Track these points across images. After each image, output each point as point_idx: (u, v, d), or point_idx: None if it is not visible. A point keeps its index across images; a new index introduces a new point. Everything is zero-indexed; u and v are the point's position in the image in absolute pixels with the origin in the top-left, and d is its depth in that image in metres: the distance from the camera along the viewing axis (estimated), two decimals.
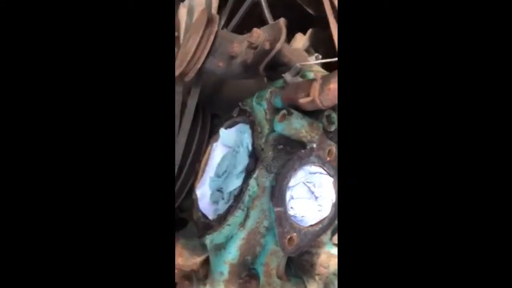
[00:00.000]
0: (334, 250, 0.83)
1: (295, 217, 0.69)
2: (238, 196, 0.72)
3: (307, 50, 1.40)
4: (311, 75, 0.79)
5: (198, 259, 0.91)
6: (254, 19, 1.36)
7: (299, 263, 0.82)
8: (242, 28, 1.28)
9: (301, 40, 1.57)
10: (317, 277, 0.82)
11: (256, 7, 1.32)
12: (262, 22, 1.09)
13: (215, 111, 1.15)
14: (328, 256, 0.86)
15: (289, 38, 1.54)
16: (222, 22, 1.32)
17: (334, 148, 0.72)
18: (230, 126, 0.90)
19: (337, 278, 0.85)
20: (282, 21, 0.74)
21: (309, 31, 1.58)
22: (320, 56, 1.29)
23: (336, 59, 0.75)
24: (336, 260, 0.87)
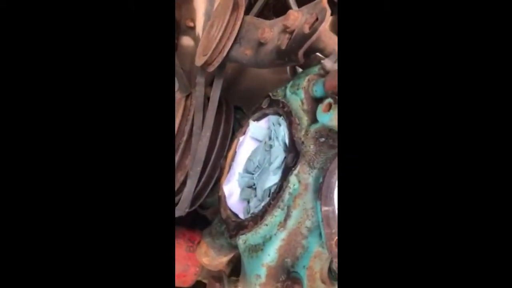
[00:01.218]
0: None
1: None
2: (277, 194, 0.66)
3: None
4: None
5: (225, 259, 0.87)
6: (277, 7, 1.30)
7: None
8: (263, 16, 1.22)
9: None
10: None
11: None
12: (285, 10, 1.03)
13: (235, 103, 1.10)
14: None
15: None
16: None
17: None
18: (259, 119, 0.84)
19: None
20: (325, 0, 0.68)
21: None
22: None
23: None
24: None
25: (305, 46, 0.67)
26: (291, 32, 0.72)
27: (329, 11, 0.66)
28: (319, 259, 0.64)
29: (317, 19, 0.67)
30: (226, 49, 0.84)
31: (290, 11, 0.72)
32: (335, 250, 0.61)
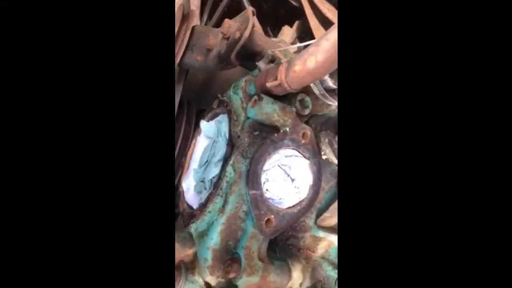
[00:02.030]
0: (320, 233, 0.84)
1: (272, 199, 0.70)
2: (217, 183, 0.73)
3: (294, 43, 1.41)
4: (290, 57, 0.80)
5: (190, 251, 0.93)
6: (235, 14, 1.38)
7: (284, 248, 0.83)
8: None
9: (288, 33, 1.59)
10: (304, 261, 0.84)
11: (237, 2, 1.35)
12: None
13: (203, 107, 1.17)
14: (315, 240, 0.87)
15: (276, 31, 1.56)
16: (205, 18, 1.35)
17: (308, 131, 0.73)
18: (211, 118, 0.91)
19: (325, 261, 0.86)
20: (250, 10, 0.76)
21: (296, 23, 1.59)
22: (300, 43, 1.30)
23: (311, 41, 0.76)
24: (323, 243, 0.88)
25: (236, 49, 0.75)
26: (227, 38, 0.80)
27: (251, 19, 0.73)
28: (256, 239, 0.72)
29: (244, 26, 0.75)
30: (179, 57, 0.92)
31: (225, 20, 0.80)
32: (266, 229, 0.68)
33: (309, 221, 0.83)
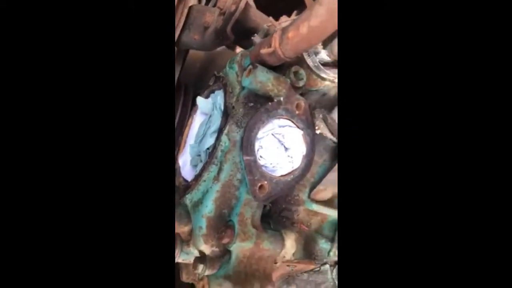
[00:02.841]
0: (314, 207, 0.86)
1: (265, 166, 0.72)
2: (212, 152, 0.75)
3: None
4: None
5: (186, 228, 0.94)
6: None
7: (278, 220, 0.84)
8: None
9: (286, 23, 1.60)
10: (297, 234, 0.85)
11: None
12: None
13: (201, 91, 1.19)
14: (308, 214, 0.88)
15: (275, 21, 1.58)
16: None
17: (302, 102, 0.75)
18: (207, 95, 0.93)
19: (319, 235, 0.88)
20: None
21: (294, 13, 1.61)
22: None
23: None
24: (317, 217, 0.89)
25: (231, 22, 0.76)
26: (224, 13, 0.81)
27: None
28: (249, 206, 0.73)
29: None
30: (176, 35, 0.94)
31: None
32: (259, 195, 0.70)
33: (303, 194, 0.85)
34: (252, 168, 0.68)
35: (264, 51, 0.67)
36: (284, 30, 0.64)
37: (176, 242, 0.88)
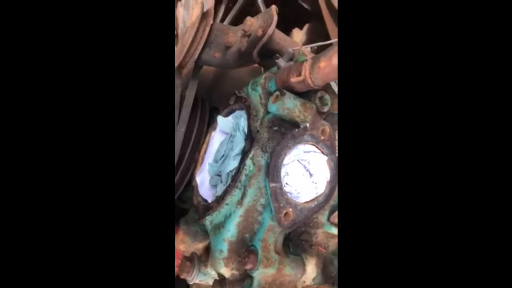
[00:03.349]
0: (333, 230, 0.86)
1: (291, 193, 0.71)
2: (235, 176, 0.74)
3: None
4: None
5: (201, 245, 0.94)
6: (249, 15, 1.41)
7: (297, 243, 0.84)
8: (238, 23, 1.32)
9: (298, 35, 1.61)
10: (316, 257, 0.85)
11: (252, 3, 1.37)
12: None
13: (215, 104, 1.19)
14: (327, 237, 0.88)
15: (287, 34, 1.58)
16: (218, 19, 1.37)
17: (327, 128, 0.75)
18: (228, 114, 0.93)
19: (336, 258, 0.88)
20: (273, 7, 0.77)
21: (306, 26, 1.61)
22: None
23: (331, 41, 0.78)
24: (335, 240, 0.89)
25: (258, 46, 0.77)
26: (249, 36, 0.81)
27: (275, 17, 0.75)
28: (273, 232, 0.73)
29: (268, 24, 0.77)
30: (197, 53, 0.94)
31: (247, 18, 0.82)
32: (284, 222, 0.70)
33: (322, 217, 0.84)
34: (277, 195, 0.68)
35: (294, 79, 0.67)
36: (315, 59, 0.64)
37: (194, 261, 0.88)
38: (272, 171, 0.68)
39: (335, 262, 0.86)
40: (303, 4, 1.50)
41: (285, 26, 1.62)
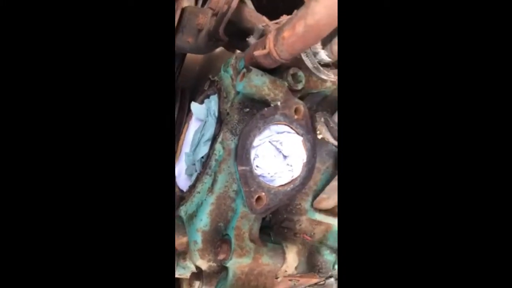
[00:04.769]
0: (317, 216, 0.81)
1: (263, 176, 0.67)
2: (206, 162, 0.70)
3: None
4: None
5: (184, 239, 0.90)
6: None
7: (279, 231, 0.80)
8: None
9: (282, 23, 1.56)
10: (300, 245, 0.80)
11: None
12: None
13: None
14: (311, 223, 0.83)
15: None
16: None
17: (301, 106, 0.70)
18: (203, 100, 0.88)
19: (323, 246, 0.83)
20: None
21: (294, 12, 1.56)
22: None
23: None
24: (321, 227, 0.84)
25: (224, 22, 0.72)
26: (216, 14, 0.77)
27: None
28: (247, 219, 0.68)
29: None
30: None
31: None
32: (256, 207, 0.65)
33: (305, 203, 0.80)
34: (247, 179, 0.64)
35: (257, 53, 0.62)
36: (279, 30, 0.60)
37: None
38: (240, 153, 0.64)
39: (322, 250, 0.81)
40: None
41: (275, 15, 1.59)
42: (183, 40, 0.91)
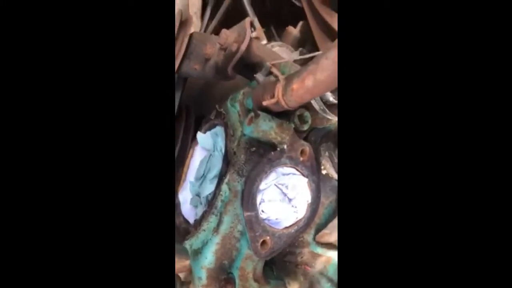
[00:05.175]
0: (319, 250, 0.82)
1: (268, 220, 0.68)
2: (212, 201, 0.71)
3: (294, 44, 1.38)
4: (290, 71, 0.77)
5: (187, 262, 0.92)
6: (237, 15, 1.35)
7: (282, 266, 0.81)
8: (225, 26, 1.27)
9: (292, 32, 1.55)
10: (302, 277, 0.82)
11: (238, 5, 1.31)
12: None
13: (203, 112, 1.15)
14: (313, 256, 0.85)
15: (280, 31, 1.53)
16: (206, 20, 1.32)
17: (307, 148, 0.71)
18: (208, 129, 0.89)
19: (323, 277, 0.84)
20: (247, 20, 0.73)
21: (300, 24, 1.56)
22: (305, 51, 1.27)
23: (315, 53, 0.73)
24: (321, 259, 0.86)
25: (232, 62, 0.72)
26: (225, 50, 0.77)
27: (248, 31, 0.70)
28: (251, 260, 0.70)
29: (241, 39, 0.72)
30: (177, 65, 0.89)
31: (223, 30, 0.77)
32: (261, 251, 0.66)
33: (308, 237, 0.81)
34: (253, 224, 0.65)
35: (266, 102, 0.63)
36: (288, 81, 0.60)
37: (176, 285, 0.86)
38: (246, 199, 0.65)
39: (322, 281, 0.83)
40: (294, 1, 1.44)
41: (280, 24, 1.57)
42: (189, 66, 0.91)
